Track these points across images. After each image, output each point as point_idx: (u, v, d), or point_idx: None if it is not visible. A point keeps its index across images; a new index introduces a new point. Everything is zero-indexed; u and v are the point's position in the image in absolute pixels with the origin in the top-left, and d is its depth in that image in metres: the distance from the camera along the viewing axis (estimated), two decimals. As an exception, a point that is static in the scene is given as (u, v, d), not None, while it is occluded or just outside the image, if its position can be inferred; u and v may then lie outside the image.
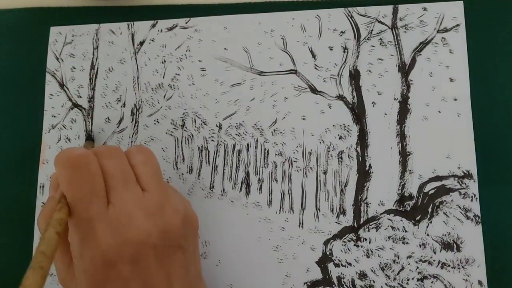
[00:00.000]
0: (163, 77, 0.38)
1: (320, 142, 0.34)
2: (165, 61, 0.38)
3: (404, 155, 0.33)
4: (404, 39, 0.34)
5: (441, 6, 0.34)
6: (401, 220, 0.32)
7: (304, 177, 0.34)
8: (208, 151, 0.36)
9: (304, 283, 0.33)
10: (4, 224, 0.38)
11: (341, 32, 0.35)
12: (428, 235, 0.32)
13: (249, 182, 0.35)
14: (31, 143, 0.39)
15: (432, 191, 0.32)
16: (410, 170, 0.33)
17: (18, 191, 0.38)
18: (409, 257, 0.32)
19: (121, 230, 0.25)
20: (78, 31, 0.39)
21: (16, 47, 0.41)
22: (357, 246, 0.33)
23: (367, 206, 0.33)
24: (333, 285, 0.33)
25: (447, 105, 0.33)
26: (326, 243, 0.33)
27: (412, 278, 0.32)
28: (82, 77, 0.39)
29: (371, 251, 0.32)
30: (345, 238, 0.33)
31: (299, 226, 0.34)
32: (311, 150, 0.34)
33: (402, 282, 0.32)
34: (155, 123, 0.37)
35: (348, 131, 0.34)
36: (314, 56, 0.35)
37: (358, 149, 0.34)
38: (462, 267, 0.31)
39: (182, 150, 0.36)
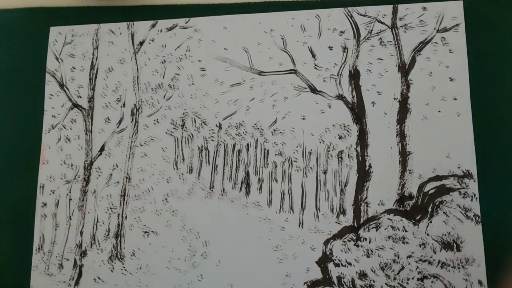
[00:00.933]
0: (163, 77, 0.38)
1: (320, 142, 0.34)
2: (165, 61, 0.38)
3: (404, 154, 0.33)
4: (403, 39, 0.34)
5: (440, 5, 0.34)
6: (401, 220, 0.32)
7: (304, 177, 0.34)
8: (208, 151, 0.36)
9: (304, 283, 0.33)
10: (4, 224, 0.38)
11: (341, 31, 0.35)
12: (428, 234, 0.32)
13: (249, 182, 0.35)
14: (31, 143, 0.39)
15: (432, 191, 0.32)
16: (410, 170, 0.33)
17: (18, 191, 0.38)
18: (409, 256, 0.32)
19: None
20: (78, 31, 0.40)
21: (16, 47, 0.41)
22: (357, 245, 0.33)
23: (367, 206, 0.33)
24: (333, 285, 0.33)
25: (447, 104, 0.33)
26: (326, 243, 0.33)
27: (412, 278, 0.32)
28: (82, 77, 0.39)
29: (371, 251, 0.32)
30: (345, 238, 0.33)
31: (299, 226, 0.34)
32: (311, 150, 0.34)
33: (402, 281, 0.32)
34: (155, 123, 0.37)
35: (348, 131, 0.34)
36: (314, 55, 0.35)
37: (358, 148, 0.34)
38: (462, 266, 0.31)
39: (182, 150, 0.36)
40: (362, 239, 0.33)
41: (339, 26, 0.35)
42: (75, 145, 0.38)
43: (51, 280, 0.37)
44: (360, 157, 0.34)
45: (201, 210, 0.35)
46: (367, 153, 0.34)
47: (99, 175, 0.37)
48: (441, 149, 0.33)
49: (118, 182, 0.37)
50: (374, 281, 0.32)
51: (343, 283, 0.32)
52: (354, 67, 0.35)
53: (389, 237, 0.32)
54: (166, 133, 0.37)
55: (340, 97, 0.35)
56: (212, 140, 0.36)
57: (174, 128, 0.37)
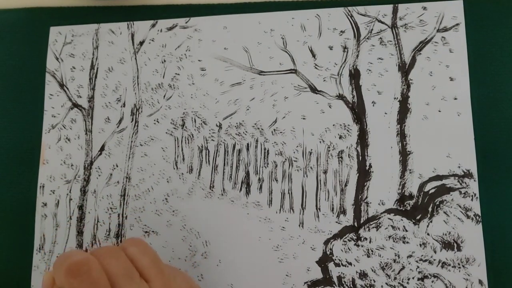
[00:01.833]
0: (163, 77, 0.38)
1: (320, 142, 0.34)
2: (165, 61, 0.38)
3: (404, 154, 0.33)
4: (404, 38, 0.34)
5: (441, 5, 0.34)
6: (402, 220, 0.32)
7: (304, 176, 0.34)
8: (208, 151, 0.36)
9: (305, 283, 0.33)
10: (4, 224, 0.38)
11: (341, 31, 0.35)
12: (428, 234, 0.32)
13: (249, 181, 0.35)
14: (31, 143, 0.39)
15: (433, 191, 0.32)
16: (410, 170, 0.33)
17: (18, 191, 0.38)
18: (410, 256, 0.32)
19: None
20: (78, 31, 0.39)
21: (16, 47, 0.41)
22: (358, 245, 0.33)
23: (367, 206, 0.33)
24: (334, 285, 0.33)
25: (447, 104, 0.33)
26: (326, 242, 0.33)
27: (413, 278, 0.32)
28: (82, 77, 0.39)
29: (372, 251, 0.32)
30: (345, 238, 0.33)
31: (299, 225, 0.34)
32: (311, 149, 0.34)
33: (402, 281, 0.32)
34: (155, 123, 0.37)
35: (348, 131, 0.34)
36: (314, 55, 0.35)
37: (358, 148, 0.34)
38: (463, 266, 0.31)
39: (182, 150, 0.36)
40: (362, 238, 0.33)
41: (339, 26, 0.35)
42: (75, 145, 0.38)
43: (51, 280, 0.37)
44: (360, 157, 0.34)
45: (201, 210, 0.35)
46: (367, 152, 0.34)
47: (99, 175, 0.37)
48: (442, 149, 0.32)
49: (118, 182, 0.37)
50: (374, 281, 0.32)
51: (343, 283, 0.32)
52: (354, 66, 0.35)
53: (389, 236, 0.32)
54: (166, 133, 0.37)
55: (340, 96, 0.35)
56: (212, 140, 0.36)
57: (174, 128, 0.37)
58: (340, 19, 0.35)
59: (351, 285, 0.32)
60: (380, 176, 0.33)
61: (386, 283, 0.32)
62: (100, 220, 0.37)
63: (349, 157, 0.34)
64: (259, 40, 0.36)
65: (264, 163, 0.35)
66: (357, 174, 0.33)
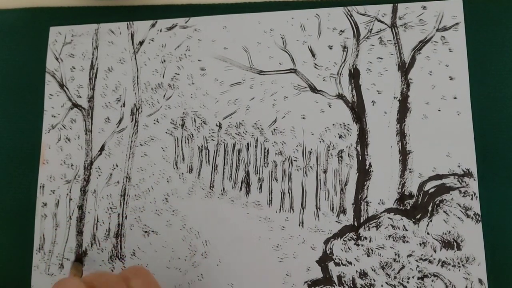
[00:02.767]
0: (163, 76, 0.38)
1: (320, 141, 0.34)
2: (164, 61, 0.38)
3: (404, 153, 0.33)
4: (403, 38, 0.34)
5: (440, 4, 0.34)
6: (402, 219, 0.32)
7: (304, 176, 0.34)
8: (208, 151, 0.36)
9: (305, 282, 0.33)
10: (4, 224, 0.38)
11: (341, 31, 0.35)
12: (428, 233, 0.32)
13: (249, 181, 0.35)
14: (31, 143, 0.39)
15: (432, 190, 0.32)
16: (410, 169, 0.33)
17: (18, 191, 0.38)
18: (410, 255, 0.32)
19: None
20: (77, 31, 0.40)
21: (16, 47, 0.41)
22: (358, 245, 0.33)
23: (367, 205, 0.33)
24: (334, 284, 0.33)
25: (447, 103, 0.33)
26: (326, 242, 0.33)
27: (413, 277, 0.32)
28: (82, 77, 0.39)
29: (372, 250, 0.32)
30: (345, 237, 0.33)
31: (299, 225, 0.34)
32: (311, 149, 0.34)
33: (402, 281, 0.32)
34: (155, 123, 0.37)
35: (348, 130, 0.34)
36: (313, 55, 0.35)
37: (358, 148, 0.34)
38: (463, 265, 0.31)
39: (182, 149, 0.36)
40: (362, 238, 0.33)
41: (339, 25, 0.35)
42: (75, 145, 0.38)
43: (52, 280, 0.37)
44: (360, 156, 0.34)
45: (201, 209, 0.35)
46: (367, 152, 0.34)
47: (99, 175, 0.37)
48: (441, 148, 0.33)
49: (118, 181, 0.37)
50: (374, 280, 0.32)
51: (343, 282, 0.32)
52: (354, 66, 0.35)
53: (389, 236, 0.32)
54: (166, 132, 0.37)
55: (340, 96, 0.35)
56: (212, 139, 0.36)
57: (174, 128, 0.37)
58: (340, 18, 0.35)
59: (351, 285, 0.32)
60: (380, 175, 0.33)
61: (386, 283, 0.32)
62: (100, 220, 0.37)
63: (349, 156, 0.34)
64: (259, 39, 0.36)
65: (264, 163, 0.35)
66: (357, 174, 0.33)
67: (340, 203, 0.33)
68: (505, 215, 0.31)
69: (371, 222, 0.33)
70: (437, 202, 0.32)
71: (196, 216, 0.35)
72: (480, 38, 0.34)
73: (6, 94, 0.40)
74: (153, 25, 0.38)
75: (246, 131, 0.36)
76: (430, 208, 0.32)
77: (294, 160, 0.34)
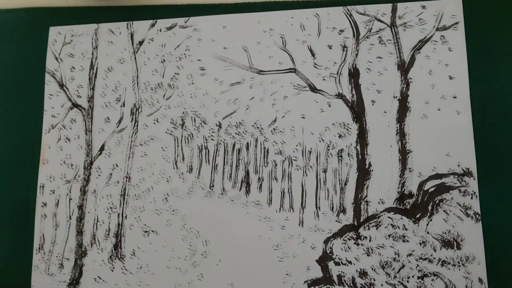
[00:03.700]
0: (163, 76, 0.38)
1: (319, 141, 0.34)
2: (164, 61, 0.38)
3: (403, 153, 0.33)
4: (403, 37, 0.34)
5: (440, 4, 0.34)
6: (401, 218, 0.32)
7: (304, 175, 0.34)
8: (208, 150, 0.36)
9: (305, 282, 0.33)
10: (5, 224, 0.38)
11: (340, 30, 0.35)
12: (428, 233, 0.32)
13: (249, 181, 0.35)
14: (31, 144, 0.39)
15: (432, 189, 0.32)
16: (410, 168, 0.33)
17: (18, 191, 0.38)
18: (410, 255, 0.32)
19: None
20: (77, 31, 0.40)
21: (16, 47, 0.41)
22: (357, 244, 0.33)
23: (367, 204, 0.33)
24: (334, 284, 0.33)
25: (446, 103, 0.33)
26: (326, 241, 0.33)
27: (413, 276, 0.32)
28: (82, 77, 0.39)
29: (372, 249, 0.32)
30: (345, 237, 0.33)
31: (299, 224, 0.34)
32: (311, 148, 0.34)
33: (402, 280, 0.32)
34: (154, 123, 0.37)
35: (347, 130, 0.34)
36: (313, 54, 0.35)
37: (358, 147, 0.34)
38: (463, 264, 0.31)
39: (182, 149, 0.36)
40: (362, 237, 0.33)
41: (339, 25, 0.35)
42: (75, 145, 0.38)
43: (51, 280, 0.37)
44: (360, 156, 0.34)
45: (201, 209, 0.35)
46: (367, 151, 0.34)
47: (99, 175, 0.37)
48: (441, 148, 0.33)
49: (118, 181, 0.37)
50: (374, 280, 0.32)
51: (343, 281, 0.32)
52: (354, 65, 0.35)
53: (389, 235, 0.32)
54: (166, 132, 0.37)
55: (340, 95, 0.35)
56: (212, 139, 0.36)
57: (174, 128, 0.37)
58: (340, 18, 0.35)
59: (351, 284, 0.32)
60: (379, 175, 0.33)
61: (386, 282, 0.32)
62: (100, 220, 0.37)
63: (348, 156, 0.34)
64: (259, 39, 0.36)
65: (264, 162, 0.35)
66: (357, 173, 0.33)
67: (340, 203, 0.33)
68: (505, 214, 0.31)
69: (371, 222, 0.33)
70: (437, 202, 0.32)
71: (196, 216, 0.35)
72: (479, 37, 0.34)
73: (6, 94, 0.40)
74: (152, 25, 0.38)
75: (246, 131, 0.36)
76: (430, 208, 0.32)
77: (294, 160, 0.34)
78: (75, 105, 0.39)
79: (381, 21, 0.35)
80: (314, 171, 0.34)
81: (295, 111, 0.35)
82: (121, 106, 0.38)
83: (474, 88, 0.33)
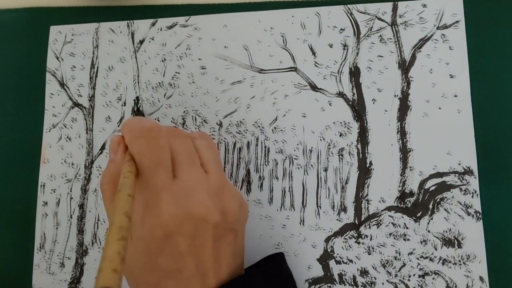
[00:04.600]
0: (163, 75, 0.38)
1: (320, 140, 0.34)
2: (165, 60, 0.38)
3: (404, 151, 0.33)
4: (404, 36, 0.34)
5: (440, 2, 0.34)
6: (402, 217, 0.32)
7: (305, 174, 0.34)
8: (209, 149, 0.36)
9: (306, 280, 0.33)
10: (5, 223, 0.38)
11: (341, 29, 0.35)
12: (429, 231, 0.32)
13: (250, 179, 0.35)
14: (32, 143, 0.39)
15: (433, 188, 0.32)
16: (410, 167, 0.33)
17: (18, 190, 0.38)
18: (410, 253, 0.32)
19: (185, 203, 0.25)
20: (78, 30, 0.40)
21: (16, 47, 0.41)
22: (358, 243, 0.33)
23: (368, 203, 0.33)
24: (335, 282, 0.33)
25: (447, 101, 0.33)
26: (327, 240, 0.33)
27: (414, 275, 0.32)
28: (83, 76, 0.39)
29: (372, 248, 0.32)
30: (346, 235, 0.33)
31: (300, 223, 0.34)
32: (312, 147, 0.34)
33: (403, 278, 0.32)
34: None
35: (348, 128, 0.34)
36: (314, 53, 0.35)
37: (359, 146, 0.34)
38: (463, 263, 0.31)
39: (182, 148, 0.36)
40: (363, 236, 0.33)
41: (339, 24, 0.35)
42: (75, 144, 0.38)
43: (52, 279, 0.37)
44: (360, 154, 0.34)
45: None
46: (367, 150, 0.34)
47: (100, 174, 0.37)
48: (442, 146, 0.33)
49: (119, 180, 0.37)
50: (375, 278, 0.32)
51: (344, 280, 0.32)
52: (355, 64, 0.35)
53: (390, 234, 0.32)
54: (167, 131, 0.37)
55: (341, 94, 0.35)
56: (212, 138, 0.36)
57: (175, 127, 0.37)
58: (340, 17, 0.35)
59: (352, 283, 0.32)
60: (380, 173, 0.33)
61: (387, 280, 0.32)
62: (101, 219, 0.37)
63: (349, 154, 0.34)
64: (259, 38, 0.36)
65: (265, 161, 0.35)
66: (358, 172, 0.33)
67: (340, 201, 0.33)
68: (506, 212, 0.31)
69: (371, 220, 0.33)
70: (438, 200, 0.32)
71: (197, 214, 0.35)
72: (480, 35, 0.34)
73: (7, 94, 0.40)
74: (153, 24, 0.38)
75: (246, 130, 0.36)
76: (430, 206, 0.32)
77: (295, 159, 0.34)
78: (76, 104, 0.39)
79: (382, 20, 0.35)
80: (315, 170, 0.34)
81: (296, 110, 0.35)
82: (122, 105, 0.38)
83: (474, 87, 0.33)
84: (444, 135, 0.33)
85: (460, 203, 0.32)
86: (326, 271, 0.33)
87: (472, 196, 0.32)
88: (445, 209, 0.32)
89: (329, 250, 0.33)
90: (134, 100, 0.38)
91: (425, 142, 0.33)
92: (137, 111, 0.37)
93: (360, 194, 0.33)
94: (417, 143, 0.33)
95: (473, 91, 0.33)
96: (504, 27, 0.34)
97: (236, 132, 0.36)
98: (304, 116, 0.35)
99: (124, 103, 0.38)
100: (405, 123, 0.33)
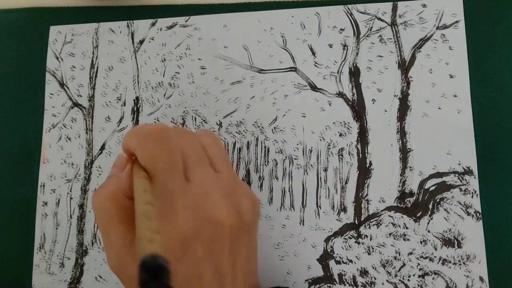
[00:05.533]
0: (163, 75, 0.38)
1: (320, 140, 0.34)
2: (165, 60, 0.38)
3: (404, 151, 0.33)
4: (403, 36, 0.34)
5: (440, 2, 0.34)
6: (402, 217, 0.32)
7: (305, 174, 0.34)
8: (209, 149, 0.36)
9: (306, 281, 0.33)
10: (5, 224, 0.38)
11: (341, 29, 0.35)
12: (429, 231, 0.32)
13: (250, 180, 0.35)
14: (31, 143, 0.39)
15: (433, 188, 0.32)
16: (410, 167, 0.33)
17: (18, 191, 0.38)
18: (410, 253, 0.32)
19: (201, 207, 0.25)
20: (77, 30, 0.40)
21: (16, 47, 0.41)
22: (358, 243, 0.33)
23: (367, 203, 0.33)
24: (334, 282, 0.33)
25: (447, 101, 0.33)
26: (327, 240, 0.33)
27: (413, 275, 0.32)
28: (82, 76, 0.39)
29: (372, 248, 0.32)
30: (346, 235, 0.33)
31: (300, 223, 0.34)
32: (312, 147, 0.34)
33: (403, 278, 0.32)
34: (155, 122, 0.37)
35: (348, 128, 0.34)
36: (313, 53, 0.35)
37: (359, 146, 0.34)
38: (463, 263, 0.31)
39: (182, 148, 0.36)
40: (363, 236, 0.33)
41: (339, 24, 0.35)
42: (75, 144, 0.38)
43: (52, 279, 0.37)
44: (360, 155, 0.34)
45: (202, 208, 0.35)
46: (367, 150, 0.34)
47: (99, 174, 0.37)
48: (442, 146, 0.33)
49: (118, 180, 0.37)
50: (375, 278, 0.32)
51: (344, 280, 0.32)
52: (354, 64, 0.35)
53: (390, 234, 0.32)
54: (167, 131, 0.37)
55: (340, 94, 0.35)
56: (212, 138, 0.36)
57: (175, 127, 0.37)
58: (340, 17, 0.35)
59: (352, 283, 0.32)
60: (380, 173, 0.33)
61: (387, 281, 0.32)
62: (101, 219, 0.37)
63: (349, 154, 0.34)
64: (259, 38, 0.36)
65: (265, 161, 0.35)
66: (358, 172, 0.33)
67: (340, 201, 0.33)
68: (506, 212, 0.31)
69: (371, 220, 0.33)
70: (438, 200, 0.32)
71: (196, 214, 0.35)
72: (480, 35, 0.34)
73: (7, 94, 0.40)
74: (153, 24, 0.38)
75: (246, 130, 0.36)
76: (430, 206, 0.32)
77: (295, 159, 0.34)
78: (75, 104, 0.39)
79: (382, 20, 0.35)
80: (314, 170, 0.34)
81: (295, 110, 0.35)
82: (121, 105, 0.38)
83: (474, 87, 0.33)
84: (444, 135, 0.33)
85: (460, 203, 0.32)
86: (326, 271, 0.33)
87: (472, 196, 0.32)
88: (445, 209, 0.32)
89: (329, 250, 0.33)
90: (134, 100, 0.38)
91: (425, 142, 0.33)
92: None
93: (360, 194, 0.33)
94: (417, 143, 0.33)
95: (473, 91, 0.33)
96: (504, 27, 0.34)
97: (236, 132, 0.36)
98: (304, 116, 0.35)
99: (124, 103, 0.38)
100: (405, 123, 0.33)
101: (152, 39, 0.38)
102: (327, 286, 0.33)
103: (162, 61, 0.38)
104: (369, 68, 0.34)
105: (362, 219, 0.33)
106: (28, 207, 0.38)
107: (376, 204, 0.33)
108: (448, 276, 0.31)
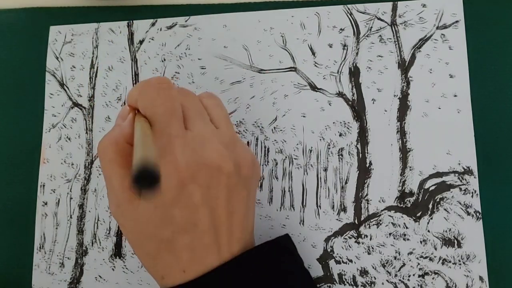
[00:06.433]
0: (163, 75, 0.38)
1: (320, 139, 0.34)
2: (164, 60, 0.38)
3: (404, 151, 0.33)
4: (403, 36, 0.34)
5: (440, 2, 0.34)
6: (402, 217, 0.32)
7: (305, 174, 0.34)
8: (209, 149, 0.36)
9: (305, 280, 0.33)
10: (5, 224, 0.38)
11: (341, 29, 0.35)
12: (429, 231, 0.32)
13: (250, 179, 0.35)
14: (31, 143, 0.39)
15: (433, 188, 0.32)
16: (410, 167, 0.33)
17: (18, 191, 0.38)
18: (410, 253, 0.32)
19: (200, 151, 0.25)
20: (77, 30, 0.40)
21: (16, 47, 0.41)
22: (358, 243, 0.33)
23: (367, 203, 0.33)
24: (334, 282, 0.33)
25: (447, 101, 0.33)
26: (327, 240, 0.33)
27: (413, 275, 0.32)
28: (82, 76, 0.39)
29: (372, 248, 0.32)
30: (346, 235, 0.33)
31: (300, 223, 0.34)
32: (312, 147, 0.34)
33: (403, 278, 0.32)
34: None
35: (348, 128, 0.34)
36: (313, 53, 0.35)
37: (359, 146, 0.34)
38: (463, 263, 0.31)
39: (182, 148, 0.36)
40: (363, 236, 0.33)
41: (339, 24, 0.35)
42: (75, 144, 0.38)
43: (52, 279, 0.37)
44: (360, 154, 0.34)
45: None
46: (367, 150, 0.34)
47: (99, 174, 0.37)
48: (442, 146, 0.33)
49: (118, 180, 0.37)
50: (375, 278, 0.32)
51: (344, 280, 0.32)
52: (354, 64, 0.35)
53: (390, 234, 0.32)
54: (167, 131, 0.37)
55: (340, 94, 0.35)
56: (212, 138, 0.36)
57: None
58: (340, 17, 0.35)
59: (352, 282, 0.32)
60: (380, 173, 0.33)
61: (387, 280, 0.32)
62: (101, 219, 0.37)
63: (349, 154, 0.34)
64: (259, 38, 0.36)
65: (265, 161, 0.35)
66: (357, 172, 0.33)
67: (340, 201, 0.33)
68: (506, 212, 0.31)
69: (371, 220, 0.33)
70: (438, 200, 0.32)
71: (196, 214, 0.35)
72: (480, 35, 0.34)
73: (6, 94, 0.40)
74: (153, 24, 0.38)
75: (246, 130, 0.36)
76: (430, 206, 0.32)
77: (295, 159, 0.34)
78: (75, 104, 0.39)
79: (382, 20, 0.35)
80: (314, 170, 0.34)
81: (295, 110, 0.35)
82: (121, 105, 0.38)
83: (474, 87, 0.33)
84: (444, 135, 0.33)
85: (460, 203, 0.32)
86: (326, 271, 0.33)
87: (472, 196, 0.32)
88: (445, 209, 0.32)
89: (328, 250, 0.33)
90: None
91: (424, 142, 0.33)
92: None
93: (360, 194, 0.33)
94: (417, 143, 0.33)
95: (473, 91, 0.33)
96: (504, 27, 0.34)
97: (236, 132, 0.36)
98: (303, 116, 0.35)
99: (124, 103, 0.38)
100: (404, 123, 0.33)
101: (152, 39, 0.38)
102: (327, 286, 0.33)
103: (162, 61, 0.38)
104: (369, 68, 0.34)
105: (362, 219, 0.33)
106: (28, 207, 0.38)
107: (376, 204, 0.33)
108: (448, 276, 0.31)
